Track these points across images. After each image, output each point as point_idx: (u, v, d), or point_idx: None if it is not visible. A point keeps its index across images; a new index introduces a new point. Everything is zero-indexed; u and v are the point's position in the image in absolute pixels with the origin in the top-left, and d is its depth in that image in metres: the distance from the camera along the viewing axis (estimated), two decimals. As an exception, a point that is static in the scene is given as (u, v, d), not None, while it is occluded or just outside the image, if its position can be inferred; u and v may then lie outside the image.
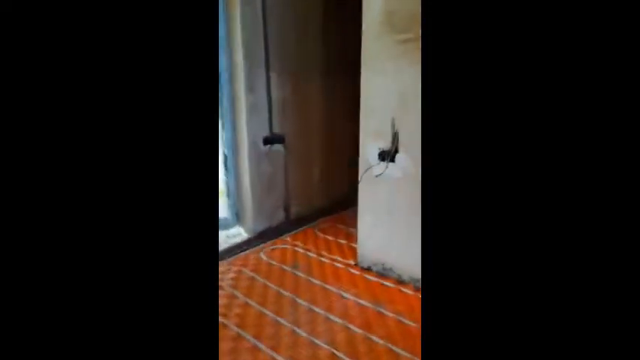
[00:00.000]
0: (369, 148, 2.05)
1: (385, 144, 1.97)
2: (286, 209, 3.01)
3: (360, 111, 2.07)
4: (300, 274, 2.18)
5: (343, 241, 2.65)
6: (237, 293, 1.96)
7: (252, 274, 2.18)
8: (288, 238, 2.72)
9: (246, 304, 1.85)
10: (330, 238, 2.73)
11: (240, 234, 2.78)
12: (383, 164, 1.98)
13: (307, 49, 2.92)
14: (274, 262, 2.33)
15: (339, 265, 2.30)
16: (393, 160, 1.94)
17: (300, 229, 2.91)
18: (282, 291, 1.98)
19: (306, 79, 2.95)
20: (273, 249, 2.54)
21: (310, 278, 2.13)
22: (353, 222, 3.07)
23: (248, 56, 2.47)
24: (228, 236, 2.73)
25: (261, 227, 2.79)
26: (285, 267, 2.27)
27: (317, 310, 1.81)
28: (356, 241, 2.64)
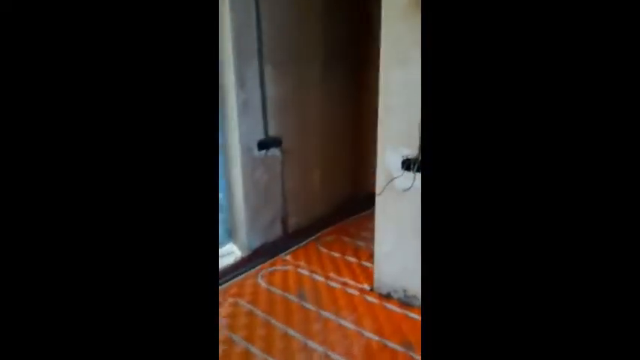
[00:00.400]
0: (390, 155, 1.71)
1: (410, 150, 1.64)
2: (284, 221, 2.65)
3: (379, 110, 1.72)
4: (308, 305, 1.83)
5: (352, 259, 2.32)
6: (236, 337, 1.60)
7: (250, 306, 1.82)
8: (289, 257, 2.37)
9: (248, 353, 1.50)
10: (336, 254, 2.39)
11: (233, 252, 2.40)
12: (408, 174, 1.65)
13: (306, 37, 2.55)
14: (276, 290, 1.97)
15: (352, 290, 1.96)
16: (419, 169, 1.61)
17: (301, 244, 2.56)
18: (289, 331, 1.64)
19: (304, 72, 2.58)
20: (272, 271, 2.18)
21: (321, 311, 1.78)
22: (358, 233, 2.75)
23: (238, 46, 2.08)
24: (221, 255, 2.36)
25: (256, 243, 2.42)
26: (289, 296, 1.91)
27: (336, 358, 1.47)
28: (367, 257, 2.32)
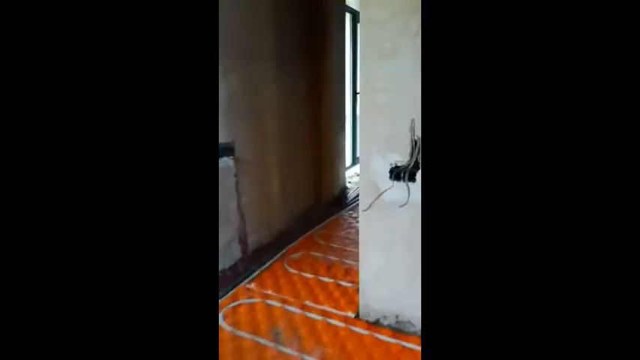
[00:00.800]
0: (376, 162, 1.45)
1: (400, 156, 1.39)
2: (242, 241, 2.28)
3: (359, 109, 1.45)
4: (286, 350, 1.51)
5: (327, 279, 2.03)
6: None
7: (214, 363, 1.44)
8: (253, 284, 2.00)
9: None
10: (308, 275, 2.08)
11: (182, 287, 1.97)
12: (400, 185, 1.40)
13: (255, 29, 2.18)
14: (243, 333, 1.61)
15: (335, 321, 1.68)
16: (412, 178, 1.38)
17: (265, 266, 2.21)
18: (270, 392, 1.30)
19: (255, 69, 2.21)
20: (235, 307, 1.81)
21: (304, 356, 1.47)
22: (328, 245, 2.46)
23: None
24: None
25: (211, 272, 2.02)
26: (261, 340, 1.57)
27: (335, 423, 1.18)
28: (343, 275, 2.06)
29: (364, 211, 1.51)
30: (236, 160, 2.11)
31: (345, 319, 1.69)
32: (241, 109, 2.10)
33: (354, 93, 3.91)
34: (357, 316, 1.70)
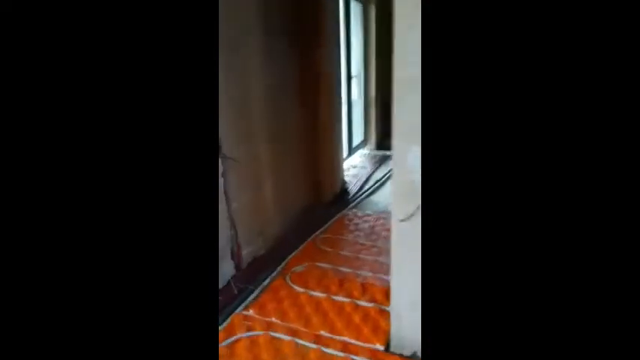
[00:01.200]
0: (414, 157, 1.10)
1: (450, 149, 1.04)
2: (235, 255, 1.90)
3: (393, 90, 1.09)
4: (306, 405, 1.16)
5: (342, 299, 1.69)
6: None
7: None
8: (252, 311, 1.64)
9: None
10: (319, 294, 1.73)
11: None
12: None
13: (241, 2, 1.77)
14: (247, 383, 1.25)
15: (360, 358, 1.34)
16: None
17: (264, 283, 1.84)
18: None
19: (241, 48, 1.81)
20: (232, 344, 1.44)
21: (330, 413, 1.13)
22: (337, 253, 2.09)
23: None
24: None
25: (199, 298, 1.64)
26: (271, 392, 1.22)
27: None
28: (360, 292, 1.72)
29: (402, 221, 1.16)
30: (223, 160, 1.72)
31: (374, 354, 1.36)
32: (225, 98, 1.70)
33: (349, 76, 3.54)
34: (388, 348, 1.38)
